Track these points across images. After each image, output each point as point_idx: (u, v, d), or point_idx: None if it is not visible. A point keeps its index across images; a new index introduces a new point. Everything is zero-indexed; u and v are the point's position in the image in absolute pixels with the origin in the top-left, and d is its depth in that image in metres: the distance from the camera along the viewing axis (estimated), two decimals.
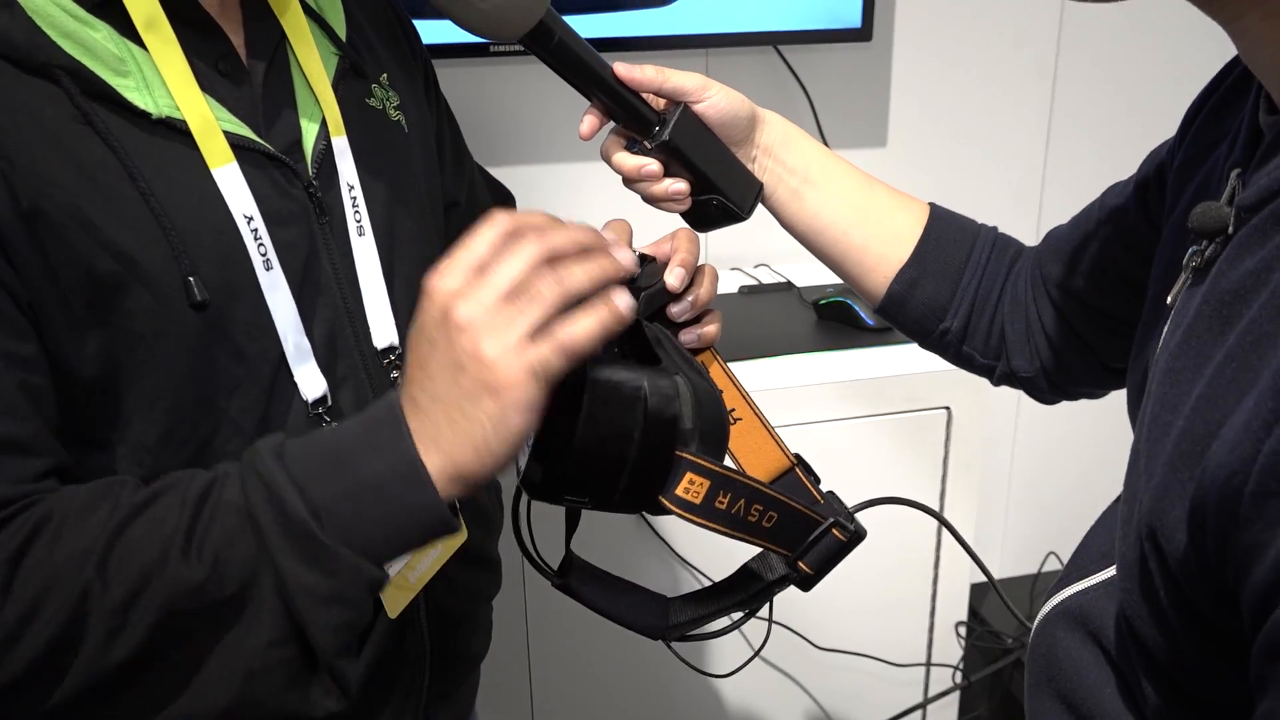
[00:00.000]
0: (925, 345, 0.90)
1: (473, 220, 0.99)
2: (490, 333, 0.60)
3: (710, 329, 0.84)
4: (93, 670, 0.63)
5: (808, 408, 1.50)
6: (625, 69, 0.80)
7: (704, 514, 0.69)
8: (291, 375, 0.79)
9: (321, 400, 0.81)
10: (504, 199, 1.12)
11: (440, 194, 0.98)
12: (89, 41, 0.70)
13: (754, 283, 1.77)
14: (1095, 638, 0.57)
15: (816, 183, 0.87)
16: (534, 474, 0.70)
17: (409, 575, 0.88)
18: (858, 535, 0.79)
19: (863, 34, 1.66)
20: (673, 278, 0.79)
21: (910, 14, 1.78)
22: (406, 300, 0.86)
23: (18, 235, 0.67)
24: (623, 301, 0.64)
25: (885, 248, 0.86)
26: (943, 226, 0.87)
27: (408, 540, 0.65)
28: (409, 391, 0.64)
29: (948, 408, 1.53)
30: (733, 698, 1.64)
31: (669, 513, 0.69)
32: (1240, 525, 0.39)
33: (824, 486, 0.85)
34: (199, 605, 0.63)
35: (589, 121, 0.82)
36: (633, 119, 0.82)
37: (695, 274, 0.82)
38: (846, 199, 0.87)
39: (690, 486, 0.68)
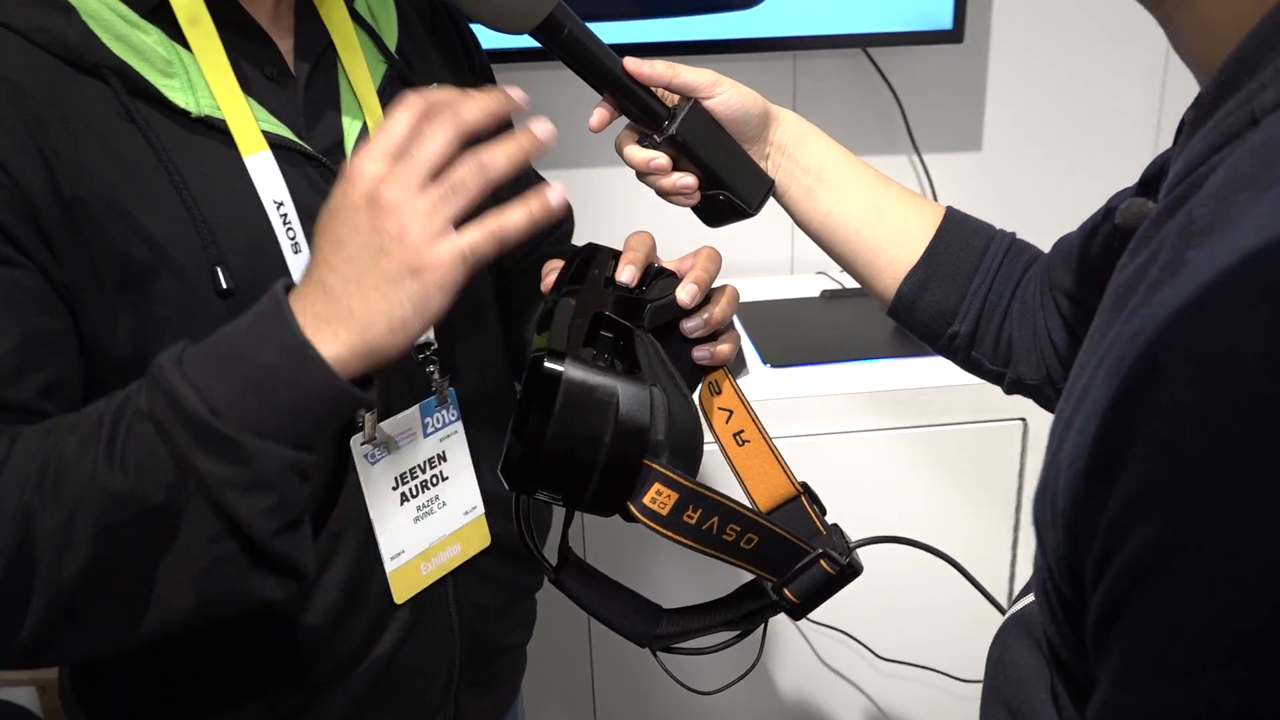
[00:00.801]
0: (936, 349, 0.88)
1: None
2: (416, 217, 0.62)
3: (723, 348, 0.84)
4: (52, 591, 0.64)
5: (881, 415, 1.48)
6: (635, 64, 0.81)
7: (672, 526, 0.70)
8: None
9: None
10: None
11: (488, 202, 1.01)
12: (139, 44, 0.75)
13: (837, 287, 1.75)
14: (1039, 644, 0.56)
15: (829, 182, 0.86)
16: (514, 452, 0.70)
17: (420, 566, 0.91)
18: (852, 570, 0.78)
19: (954, 35, 1.63)
20: (684, 293, 0.80)
21: (1007, 13, 1.73)
22: None
23: (57, 222, 0.72)
24: (554, 195, 0.67)
25: (896, 249, 0.85)
26: (955, 230, 0.85)
27: (317, 419, 0.66)
28: (317, 274, 0.65)
29: (1023, 419, 1.49)
30: (794, 703, 1.63)
31: (637, 521, 0.70)
32: (1079, 509, 0.39)
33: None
34: (133, 514, 0.64)
35: (599, 114, 0.83)
36: (642, 113, 0.83)
37: (713, 293, 0.84)
38: (859, 199, 0.86)
39: (657, 497, 0.69)
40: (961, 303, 0.84)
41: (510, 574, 1.00)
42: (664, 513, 0.70)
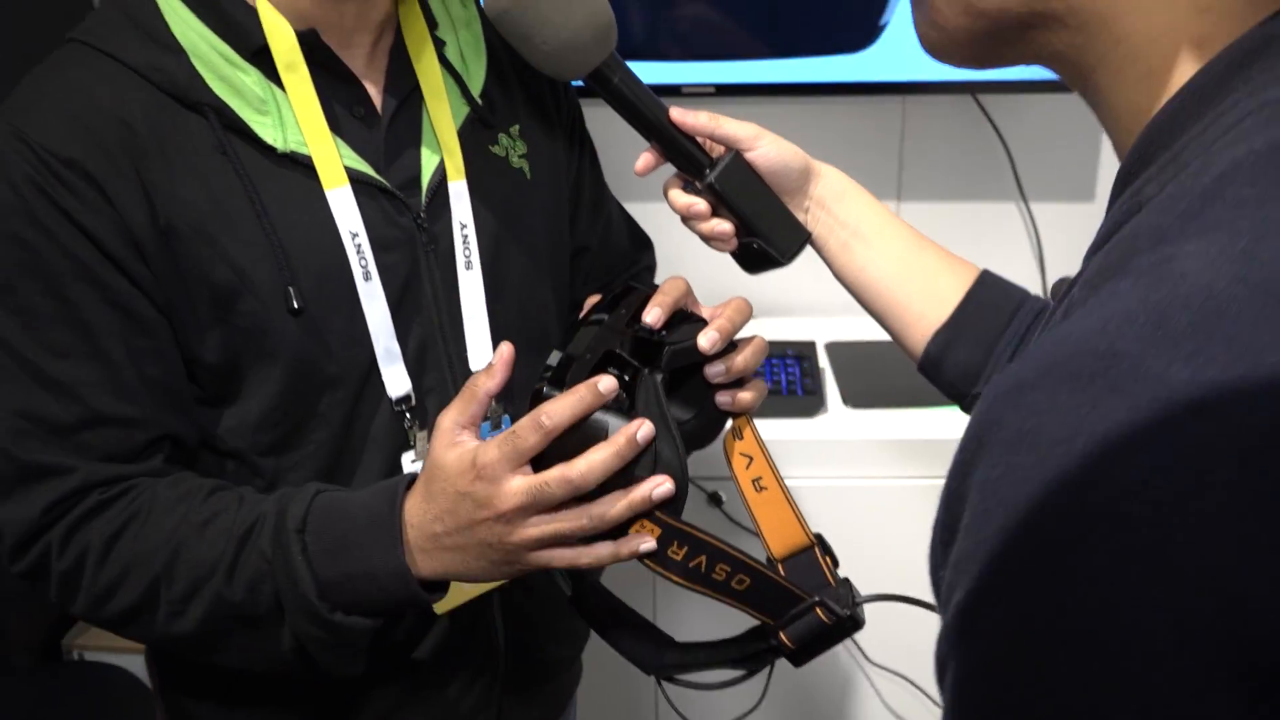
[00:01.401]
0: (962, 409, 0.88)
1: (605, 265, 1.08)
2: (529, 543, 0.77)
3: (745, 395, 0.88)
4: (165, 633, 0.84)
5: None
6: (679, 114, 0.85)
7: (659, 561, 0.74)
8: (380, 378, 0.90)
9: (405, 399, 0.91)
10: (641, 244, 1.18)
11: (566, 239, 1.06)
12: (239, 84, 0.83)
13: None
14: None
15: (867, 238, 0.88)
16: None
17: (463, 585, 0.96)
18: (852, 622, 0.80)
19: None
20: (704, 339, 0.84)
21: None
22: (506, 332, 0.94)
23: (155, 247, 0.81)
24: (645, 545, 0.77)
25: (926, 307, 0.86)
26: (986, 292, 0.85)
27: (398, 609, 0.84)
28: (430, 529, 0.79)
29: None
30: None
31: None
32: (936, 568, 0.41)
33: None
34: (237, 615, 0.82)
35: (645, 159, 0.88)
36: (685, 161, 0.87)
37: (740, 342, 0.87)
38: (894, 256, 0.87)
39: (640, 530, 0.73)
40: (985, 365, 0.84)
41: (555, 588, 1.05)
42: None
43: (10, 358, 0.81)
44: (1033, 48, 0.47)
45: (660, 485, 0.75)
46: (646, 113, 0.85)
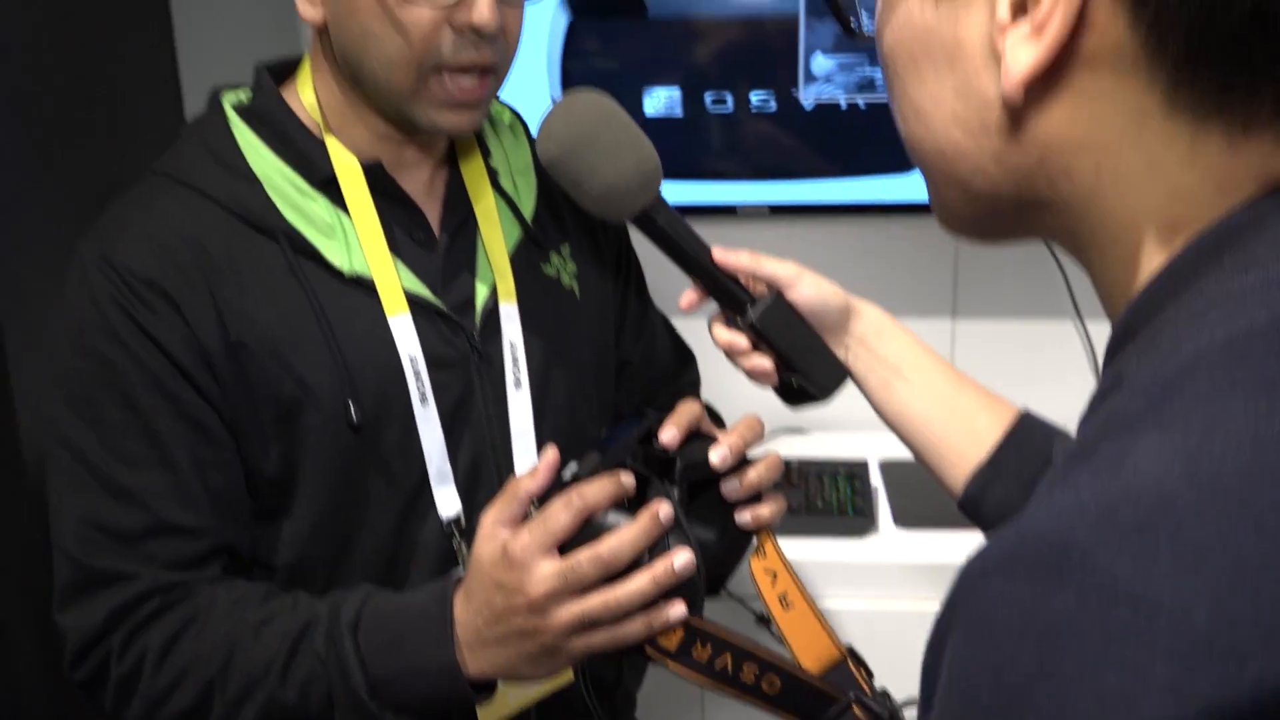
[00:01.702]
0: None
1: (648, 379, 1.11)
2: (565, 628, 0.79)
3: (764, 511, 0.89)
4: None
5: None
6: (721, 253, 0.88)
7: (683, 662, 0.75)
8: (432, 494, 0.93)
9: (455, 521, 0.94)
10: (684, 359, 1.21)
11: (611, 354, 1.10)
12: (308, 211, 0.89)
13: None
14: None
15: (906, 376, 0.89)
16: None
17: (508, 694, 0.97)
18: (892, 718, 0.80)
19: None
20: (714, 455, 0.86)
21: None
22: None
23: (225, 362, 0.87)
24: (675, 613, 0.79)
25: (965, 447, 0.87)
26: (1026, 433, 0.86)
27: (443, 708, 0.85)
28: (474, 623, 0.81)
29: None
30: None
31: (650, 658, 0.75)
32: None
33: None
34: (289, 716, 0.85)
35: (688, 296, 0.91)
36: (726, 298, 0.89)
37: (759, 460, 0.89)
38: (934, 395, 0.88)
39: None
40: (1024, 505, 0.84)
41: (598, 706, 1.06)
42: (671, 648, 0.74)
43: (84, 467, 0.86)
44: (1034, 227, 0.49)
45: (682, 556, 0.77)
46: (690, 252, 0.88)
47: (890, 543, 1.50)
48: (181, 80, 1.76)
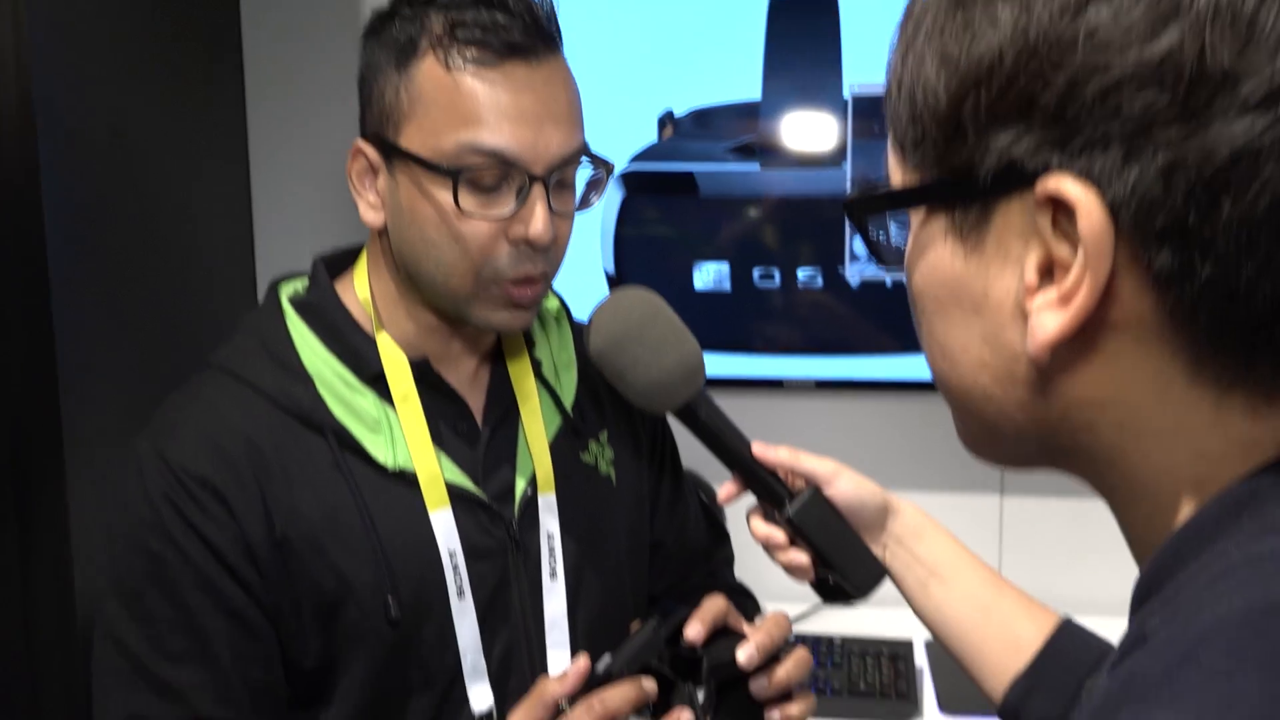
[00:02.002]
0: None
1: (681, 560, 1.13)
2: None
3: (794, 709, 0.89)
4: None
5: None
6: (761, 448, 0.90)
7: None
8: (465, 688, 0.94)
9: (487, 715, 0.95)
10: (718, 538, 1.21)
11: (646, 538, 1.11)
12: (356, 406, 0.92)
13: None
14: None
15: (944, 578, 0.89)
16: None
17: None
18: None
19: None
20: (742, 654, 0.86)
21: None
22: (585, 639, 0.98)
23: (270, 556, 0.88)
24: None
25: (1003, 653, 0.85)
26: (1066, 641, 0.85)
27: None
28: None
29: None
30: None
31: None
32: None
33: None
34: None
35: (727, 489, 0.92)
36: (765, 492, 0.90)
37: (785, 657, 0.89)
38: (972, 599, 0.88)
39: None
40: (1065, 717, 0.82)
41: None
42: None
43: (129, 662, 0.87)
44: (1061, 467, 0.50)
45: None
46: (730, 445, 0.90)
47: None
48: (256, 249, 1.84)
